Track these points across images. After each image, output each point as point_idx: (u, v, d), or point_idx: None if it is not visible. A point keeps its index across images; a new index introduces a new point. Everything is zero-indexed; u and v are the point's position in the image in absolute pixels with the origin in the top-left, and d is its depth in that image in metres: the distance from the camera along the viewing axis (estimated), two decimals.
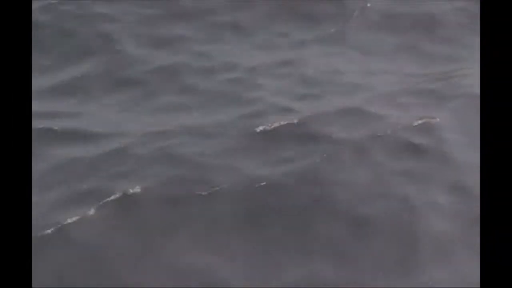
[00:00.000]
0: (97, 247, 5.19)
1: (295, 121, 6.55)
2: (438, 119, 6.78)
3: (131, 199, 5.55)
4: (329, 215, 5.57)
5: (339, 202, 5.69)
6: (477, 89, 6.64)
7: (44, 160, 6.02)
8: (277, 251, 5.30)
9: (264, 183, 5.78)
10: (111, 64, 7.68)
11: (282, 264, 5.21)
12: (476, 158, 5.29)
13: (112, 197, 5.54)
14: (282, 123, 6.50)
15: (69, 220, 5.32)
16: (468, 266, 5.22)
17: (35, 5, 8.07)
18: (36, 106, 5.96)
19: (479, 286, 3.84)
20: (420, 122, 6.68)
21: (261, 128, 6.43)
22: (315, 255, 5.30)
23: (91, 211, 5.42)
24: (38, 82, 7.08)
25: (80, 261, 5.08)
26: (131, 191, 5.60)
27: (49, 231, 5.21)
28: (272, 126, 6.44)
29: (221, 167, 5.93)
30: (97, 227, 5.31)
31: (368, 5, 9.00)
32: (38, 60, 7.41)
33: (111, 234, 5.30)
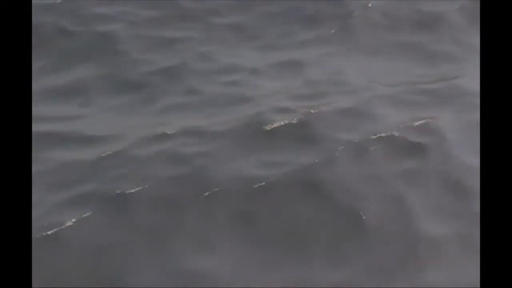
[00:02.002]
0: (95, 249, 5.20)
1: (295, 121, 6.54)
2: (439, 120, 6.79)
3: (129, 200, 5.57)
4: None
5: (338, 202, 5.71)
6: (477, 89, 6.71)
7: (42, 163, 6.01)
8: (276, 252, 5.31)
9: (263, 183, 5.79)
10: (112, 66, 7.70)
11: (280, 265, 5.21)
12: (476, 158, 5.37)
13: (111, 198, 5.55)
14: (282, 123, 6.50)
15: (68, 222, 5.33)
16: (467, 267, 5.22)
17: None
18: (36, 108, 6.02)
19: (479, 286, 3.84)
20: (421, 122, 6.69)
21: (262, 128, 6.43)
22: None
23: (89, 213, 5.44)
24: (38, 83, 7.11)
25: (79, 263, 5.09)
26: (130, 191, 5.63)
27: (48, 232, 5.22)
28: (273, 127, 6.45)
29: (221, 168, 5.94)
30: (95, 229, 5.32)
31: (370, 5, 9.03)
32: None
33: (109, 235, 5.31)
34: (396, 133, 6.45)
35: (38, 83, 7.10)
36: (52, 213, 5.41)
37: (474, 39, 8.33)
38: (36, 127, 5.74)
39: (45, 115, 6.71)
